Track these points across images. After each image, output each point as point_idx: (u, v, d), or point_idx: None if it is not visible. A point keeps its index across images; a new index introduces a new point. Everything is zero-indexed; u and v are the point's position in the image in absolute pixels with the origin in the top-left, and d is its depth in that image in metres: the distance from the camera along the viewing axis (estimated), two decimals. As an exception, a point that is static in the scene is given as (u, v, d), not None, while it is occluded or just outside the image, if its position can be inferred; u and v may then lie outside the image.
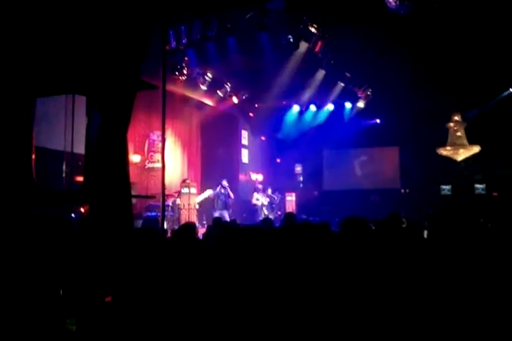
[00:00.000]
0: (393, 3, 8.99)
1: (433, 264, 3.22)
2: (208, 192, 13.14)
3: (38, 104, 3.42)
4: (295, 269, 3.07)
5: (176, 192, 12.40)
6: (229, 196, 13.21)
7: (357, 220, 3.80)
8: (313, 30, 11.56)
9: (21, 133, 3.12)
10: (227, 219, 12.59)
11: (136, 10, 3.66)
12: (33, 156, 3.33)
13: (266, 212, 14.55)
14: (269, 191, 15.19)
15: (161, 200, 9.83)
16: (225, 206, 13.13)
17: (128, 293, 2.80)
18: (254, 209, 14.60)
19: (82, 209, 8.28)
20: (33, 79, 3.26)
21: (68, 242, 3.29)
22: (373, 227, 4.45)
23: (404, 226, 5.96)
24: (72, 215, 7.99)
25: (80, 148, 5.49)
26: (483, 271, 3.06)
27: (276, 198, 15.33)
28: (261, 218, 12.94)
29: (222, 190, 13.11)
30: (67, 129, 5.32)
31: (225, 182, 13.28)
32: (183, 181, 12.62)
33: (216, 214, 12.68)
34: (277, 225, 12.22)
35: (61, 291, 3.16)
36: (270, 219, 9.46)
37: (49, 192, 3.89)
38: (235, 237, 3.44)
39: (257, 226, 6.76)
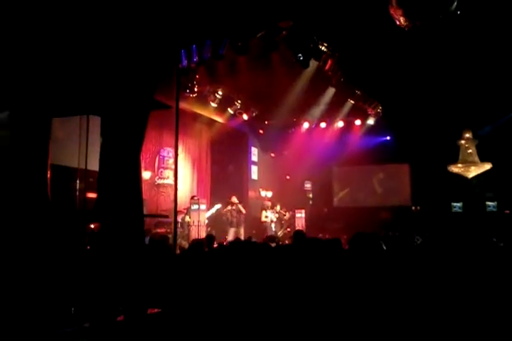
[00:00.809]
0: (402, 22, 9.05)
1: (445, 282, 3.19)
2: (216, 207, 13.16)
3: (53, 123, 3.49)
4: (304, 285, 3.06)
5: (185, 209, 12.43)
6: (240, 212, 13.24)
7: (367, 235, 3.78)
8: (323, 48, 11.67)
9: (38, 151, 3.18)
10: (242, 236, 12.59)
11: (150, 32, 3.74)
12: (49, 174, 3.38)
13: (275, 229, 14.51)
14: (278, 207, 15.16)
15: (169, 217, 9.84)
16: (239, 223, 13.16)
17: (143, 312, 2.80)
18: (263, 226, 14.57)
19: (92, 226, 8.31)
20: (50, 100, 3.33)
21: (81, 260, 3.31)
22: (384, 245, 4.43)
23: (418, 243, 5.91)
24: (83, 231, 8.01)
25: (92, 165, 5.56)
26: (496, 290, 3.03)
27: (286, 215, 15.28)
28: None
29: (234, 207, 13.14)
30: (81, 147, 5.42)
31: (234, 199, 13.30)
32: (192, 198, 12.65)
33: (231, 232, 12.74)
34: (286, 242, 12.22)
35: (72, 309, 3.18)
36: (275, 236, 9.50)
37: (62, 211, 3.93)
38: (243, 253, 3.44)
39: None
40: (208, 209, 13.18)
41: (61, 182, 6.09)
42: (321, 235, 13.55)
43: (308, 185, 18.87)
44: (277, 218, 14.82)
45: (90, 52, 3.55)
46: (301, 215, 15.81)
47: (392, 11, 8.11)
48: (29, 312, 2.92)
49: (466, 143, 15.26)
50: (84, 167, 5.71)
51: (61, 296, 3.14)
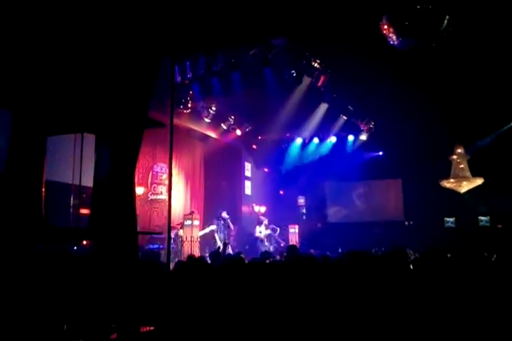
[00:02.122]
0: (394, 39, 9.19)
1: (439, 297, 3.20)
2: (211, 228, 13.06)
3: (48, 139, 3.50)
4: (296, 303, 3.05)
5: (178, 224, 12.36)
6: (229, 227, 13.16)
7: (360, 254, 3.79)
8: (315, 65, 11.83)
9: (33, 169, 3.18)
10: (230, 251, 12.49)
11: (144, 49, 3.78)
12: (43, 190, 3.38)
13: (268, 244, 14.46)
14: (266, 222, 15.12)
15: (163, 233, 9.79)
16: (226, 238, 13.06)
17: (136, 330, 2.78)
18: (256, 242, 14.51)
19: (84, 242, 8.25)
20: (45, 119, 3.35)
21: (73, 277, 3.28)
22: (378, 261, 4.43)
23: (412, 258, 5.92)
24: (75, 248, 7.95)
25: (86, 181, 5.56)
26: (488, 303, 3.04)
27: (278, 230, 15.24)
28: (263, 250, 12.84)
29: (222, 222, 13.07)
30: (75, 164, 5.43)
31: (224, 214, 13.24)
32: (189, 213, 12.58)
33: (219, 246, 12.59)
34: (277, 256, 12.15)
35: (65, 327, 3.14)
36: (269, 252, 9.46)
37: (56, 229, 3.92)
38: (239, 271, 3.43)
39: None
40: (202, 224, 13.12)
41: (55, 198, 6.08)
42: (312, 251, 13.53)
43: (301, 200, 18.88)
44: (269, 233, 14.78)
45: (85, 70, 3.58)
46: (294, 231, 15.78)
47: (383, 29, 8.25)
48: (21, 330, 2.89)
49: (457, 159, 15.37)
50: (78, 183, 5.71)
51: (54, 313, 3.11)
